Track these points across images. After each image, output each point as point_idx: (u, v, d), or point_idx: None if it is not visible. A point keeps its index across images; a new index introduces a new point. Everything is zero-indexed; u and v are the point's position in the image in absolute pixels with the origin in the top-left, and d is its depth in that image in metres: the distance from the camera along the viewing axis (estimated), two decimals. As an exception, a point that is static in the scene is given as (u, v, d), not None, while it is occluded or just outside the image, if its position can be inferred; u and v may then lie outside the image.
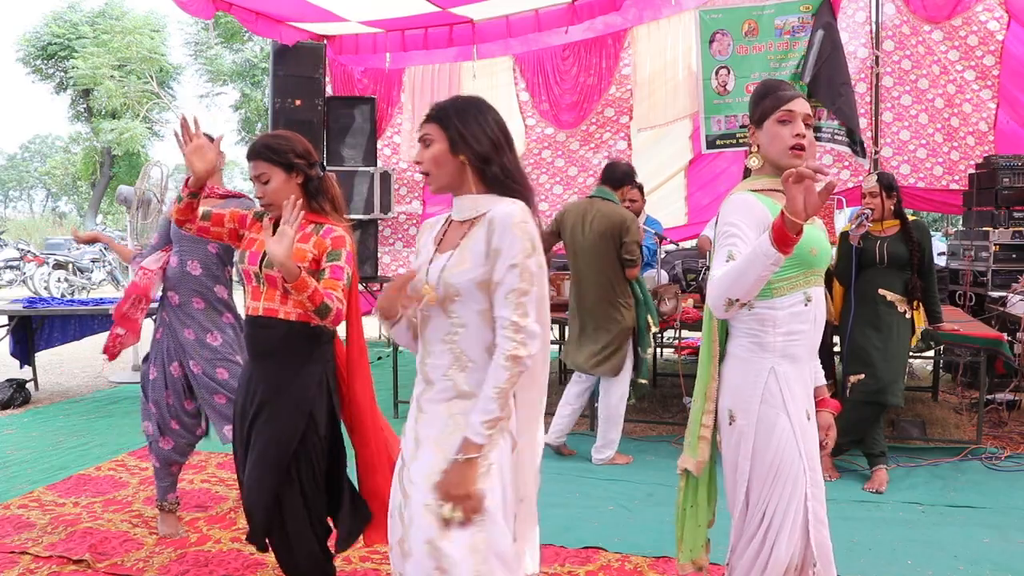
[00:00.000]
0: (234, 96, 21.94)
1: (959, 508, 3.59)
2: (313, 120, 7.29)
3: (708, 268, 2.04)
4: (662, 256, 5.47)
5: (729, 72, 6.81)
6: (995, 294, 5.44)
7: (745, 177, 2.06)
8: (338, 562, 2.50)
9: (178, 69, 22.89)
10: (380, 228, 8.12)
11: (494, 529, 1.65)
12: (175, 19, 28.03)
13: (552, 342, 6.80)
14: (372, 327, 7.68)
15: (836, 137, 6.44)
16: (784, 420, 1.89)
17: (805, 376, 1.98)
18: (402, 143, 8.11)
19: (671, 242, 5.77)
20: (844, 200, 6.53)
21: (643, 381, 4.48)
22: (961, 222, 6.51)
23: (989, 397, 4.85)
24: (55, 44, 21.60)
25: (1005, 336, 4.66)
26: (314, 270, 2.28)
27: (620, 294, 4.20)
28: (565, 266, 5.18)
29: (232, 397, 3.10)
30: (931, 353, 5.12)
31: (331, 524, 2.47)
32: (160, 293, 3.26)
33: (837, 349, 4.33)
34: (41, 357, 6.55)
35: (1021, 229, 5.57)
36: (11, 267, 14.78)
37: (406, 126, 8.01)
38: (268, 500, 2.28)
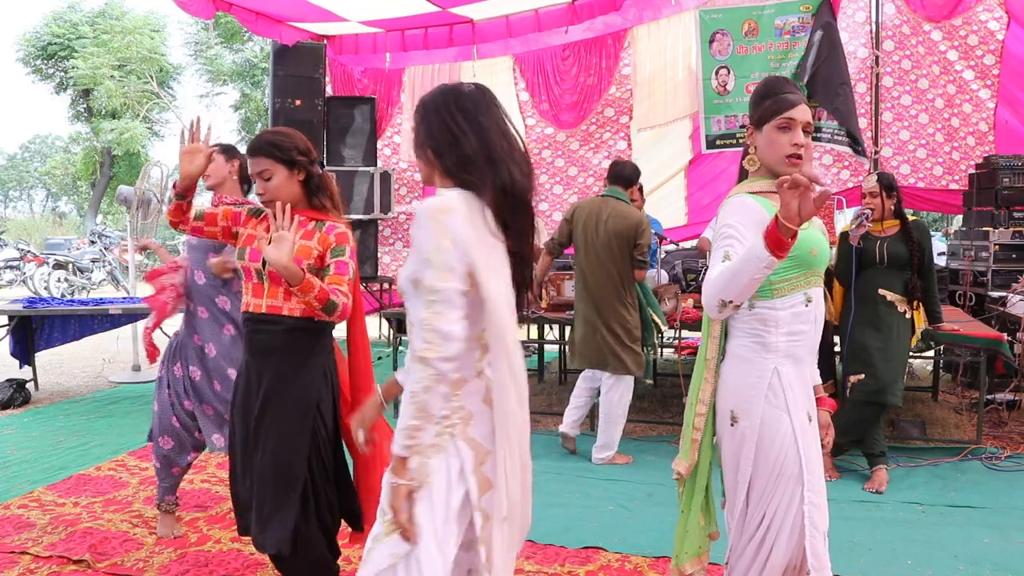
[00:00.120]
0: (234, 96, 21.94)
1: (959, 508, 3.59)
2: (313, 120, 7.30)
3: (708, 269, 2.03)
4: (662, 256, 5.48)
5: (729, 72, 6.81)
6: (995, 294, 5.45)
7: (741, 177, 2.05)
8: (338, 562, 2.50)
9: (178, 69, 22.89)
10: (380, 228, 8.13)
11: (419, 548, 1.54)
12: (175, 19, 28.04)
13: (552, 342, 6.82)
14: (373, 326, 7.68)
15: (836, 137, 6.44)
16: (786, 421, 1.89)
17: (806, 377, 1.98)
18: (402, 143, 8.11)
19: (671, 242, 5.78)
20: (844, 200, 6.53)
21: (648, 381, 4.49)
22: (961, 222, 6.51)
23: (989, 397, 4.85)
24: (55, 44, 21.59)
25: (1005, 336, 4.66)
26: (319, 267, 2.28)
27: (627, 294, 4.23)
28: (565, 266, 5.19)
29: (219, 408, 3.14)
30: (931, 353, 5.12)
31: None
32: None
33: (837, 349, 4.33)
34: (41, 357, 6.55)
35: (1021, 229, 5.57)
36: (11, 267, 14.77)
37: (406, 126, 8.01)
38: (288, 515, 2.23)
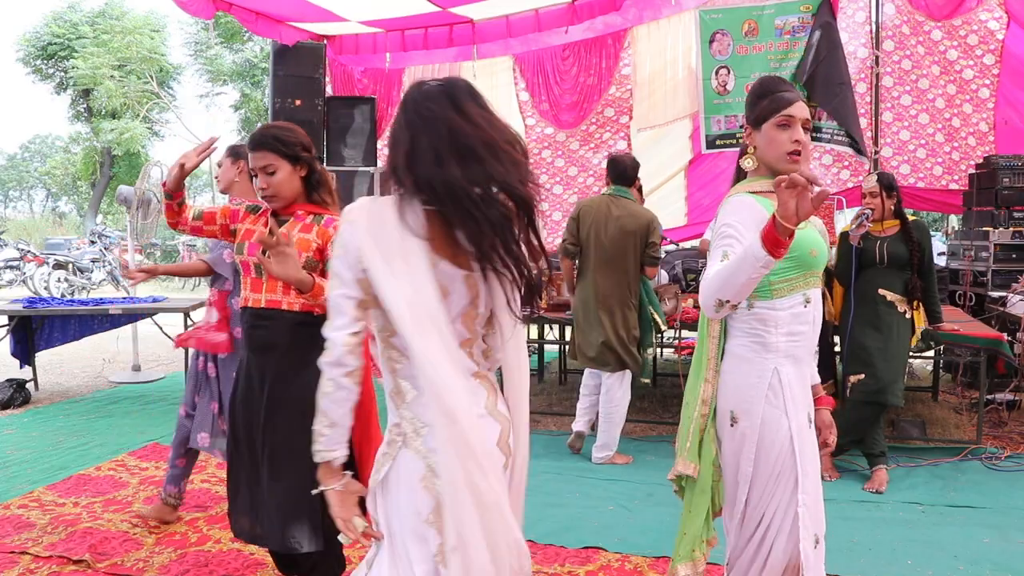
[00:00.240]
0: (234, 96, 21.94)
1: (959, 508, 3.59)
2: (313, 120, 7.29)
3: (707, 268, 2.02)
4: (662, 256, 5.47)
5: (729, 72, 6.81)
6: (995, 294, 5.45)
7: (738, 177, 2.05)
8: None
9: (178, 69, 22.89)
10: (380, 228, 8.11)
11: (380, 560, 1.55)
12: (175, 19, 27.99)
13: (552, 342, 6.82)
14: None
15: (836, 137, 6.44)
16: (785, 422, 1.89)
17: (806, 378, 1.98)
18: (402, 143, 8.09)
19: (671, 242, 5.78)
20: (844, 200, 6.53)
21: (646, 380, 4.49)
22: (961, 222, 6.51)
23: (989, 397, 4.86)
24: (55, 44, 21.59)
25: (1005, 336, 4.66)
26: (318, 259, 2.29)
27: (632, 293, 4.24)
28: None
29: (212, 412, 3.19)
30: (931, 353, 5.13)
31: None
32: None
33: (837, 349, 4.33)
34: (41, 357, 6.55)
35: (1021, 229, 5.57)
36: (11, 267, 14.77)
37: (406, 126, 8.00)
38: (309, 509, 2.19)
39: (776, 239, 1.59)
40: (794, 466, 1.89)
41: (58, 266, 14.17)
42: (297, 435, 2.23)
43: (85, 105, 22.75)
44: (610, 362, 4.22)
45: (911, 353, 4.38)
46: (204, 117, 34.89)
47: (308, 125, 7.05)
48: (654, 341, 4.53)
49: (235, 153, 3.32)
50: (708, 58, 6.85)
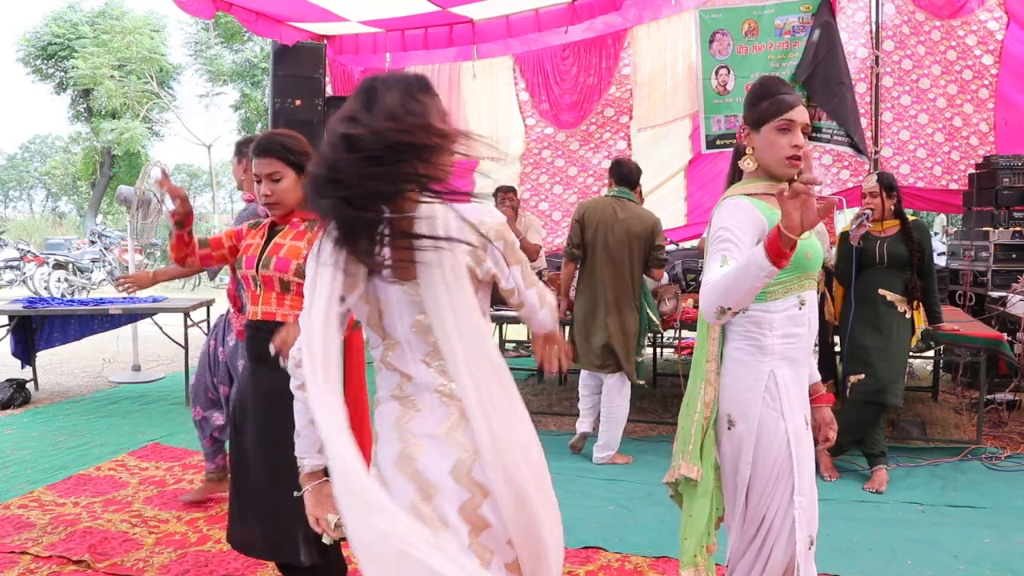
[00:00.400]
0: (234, 96, 21.95)
1: (959, 508, 3.59)
2: (313, 120, 7.29)
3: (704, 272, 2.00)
4: (667, 260, 5.48)
5: (729, 72, 6.81)
6: (995, 294, 5.45)
7: (731, 178, 2.05)
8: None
9: (178, 69, 22.89)
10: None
11: None
12: (175, 19, 27.98)
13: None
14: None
15: (836, 137, 6.44)
16: (782, 424, 1.89)
17: (803, 380, 1.98)
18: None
19: (671, 242, 5.78)
20: (844, 200, 6.53)
21: (640, 382, 4.50)
22: (961, 222, 6.51)
23: (989, 397, 4.85)
24: (55, 44, 21.59)
25: (1005, 336, 4.66)
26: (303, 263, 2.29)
27: (635, 295, 4.26)
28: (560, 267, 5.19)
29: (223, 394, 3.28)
30: (931, 353, 5.13)
31: None
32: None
33: (837, 349, 4.33)
34: (41, 357, 6.55)
35: (1021, 229, 5.57)
36: (11, 267, 14.77)
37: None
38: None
39: (779, 249, 1.57)
40: (789, 469, 1.89)
41: (58, 266, 14.17)
42: (291, 446, 2.24)
43: (85, 105, 22.75)
44: (612, 364, 4.23)
45: (911, 353, 4.38)
46: (204, 117, 34.87)
47: (308, 125, 7.06)
48: (645, 342, 4.55)
49: (239, 151, 3.33)
50: (708, 58, 6.85)
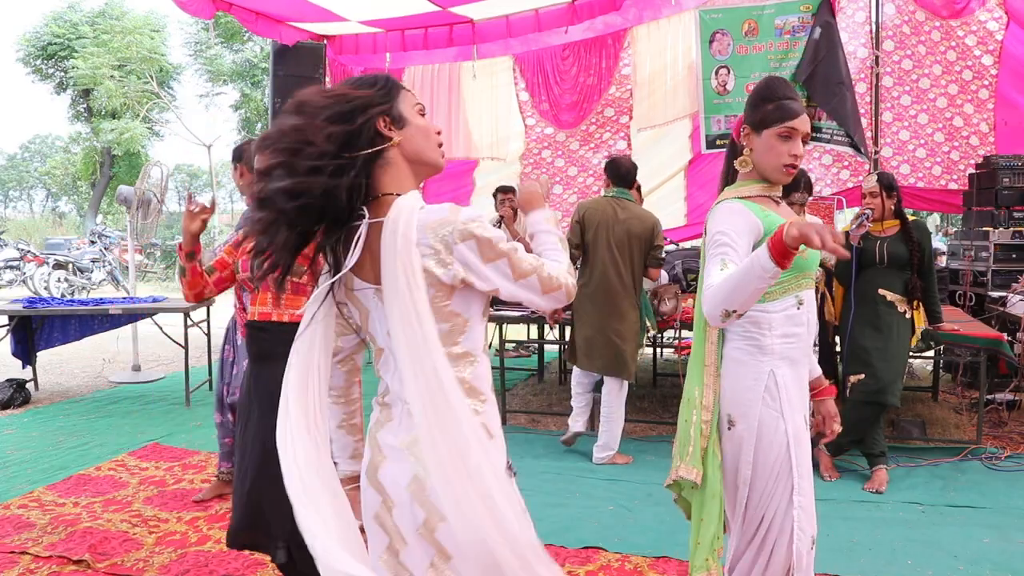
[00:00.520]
0: (234, 96, 21.93)
1: (959, 508, 3.59)
2: (313, 120, 7.28)
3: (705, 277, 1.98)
4: (665, 259, 5.48)
5: (729, 72, 6.81)
6: (995, 294, 5.44)
7: (726, 177, 2.05)
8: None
9: (178, 69, 22.87)
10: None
11: None
12: (175, 19, 27.99)
13: (552, 342, 6.81)
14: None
15: (836, 137, 6.44)
16: (782, 424, 1.89)
17: (802, 379, 1.98)
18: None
19: (671, 242, 5.78)
20: (844, 200, 6.53)
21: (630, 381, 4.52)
22: (961, 222, 6.51)
23: (989, 397, 4.85)
24: (55, 44, 21.58)
25: (1005, 336, 4.66)
26: (305, 264, 2.28)
27: (636, 295, 4.26)
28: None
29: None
30: (931, 353, 5.12)
31: None
32: None
33: (837, 349, 4.33)
34: (41, 357, 6.56)
35: (1021, 229, 5.57)
36: (11, 267, 14.76)
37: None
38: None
39: (784, 250, 1.56)
40: (791, 468, 1.89)
41: (58, 266, 14.17)
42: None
43: (85, 105, 22.74)
44: (612, 364, 4.23)
45: (911, 353, 4.38)
46: (204, 117, 34.83)
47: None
48: (644, 342, 4.56)
49: (235, 157, 3.32)
50: (708, 58, 6.85)
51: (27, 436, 4.93)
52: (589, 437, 4.55)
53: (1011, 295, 5.20)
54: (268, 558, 2.75)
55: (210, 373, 6.37)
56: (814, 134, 6.30)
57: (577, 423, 4.51)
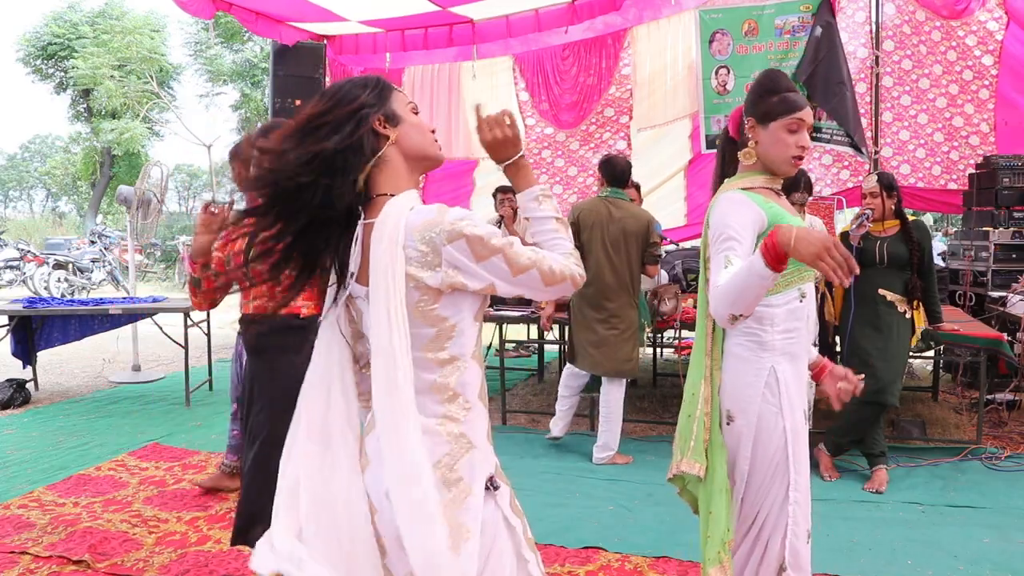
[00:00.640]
0: (234, 96, 21.92)
1: (959, 508, 3.59)
2: (313, 120, 7.28)
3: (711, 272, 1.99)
4: (662, 256, 5.48)
5: (729, 72, 6.81)
6: (995, 294, 5.44)
7: (721, 171, 2.05)
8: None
9: (178, 69, 22.87)
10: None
11: None
12: (175, 19, 27.99)
13: (552, 342, 6.81)
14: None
15: (835, 137, 6.45)
16: (781, 421, 1.89)
17: (802, 375, 1.98)
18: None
19: (671, 242, 5.78)
20: (844, 200, 6.53)
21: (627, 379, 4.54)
22: (961, 222, 6.51)
23: (989, 397, 4.85)
24: (55, 44, 21.57)
25: (1005, 336, 4.66)
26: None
27: (634, 293, 4.26)
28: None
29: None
30: (931, 353, 5.12)
31: None
32: None
33: (837, 349, 4.33)
34: (41, 357, 6.55)
35: (1021, 229, 5.57)
36: (11, 267, 14.76)
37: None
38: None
39: (779, 255, 1.57)
40: (785, 464, 1.90)
41: (58, 266, 14.17)
42: (282, 435, 2.24)
43: (85, 105, 22.73)
44: (611, 364, 4.23)
45: (911, 353, 4.37)
46: (204, 117, 34.82)
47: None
48: (645, 339, 4.57)
49: (232, 156, 3.32)
50: (708, 58, 6.85)
51: (27, 436, 4.93)
52: (589, 437, 4.56)
53: (1011, 295, 5.20)
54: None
55: (210, 373, 6.37)
56: (814, 134, 6.30)
57: (556, 428, 4.54)
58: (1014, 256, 5.54)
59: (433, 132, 1.50)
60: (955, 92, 6.39)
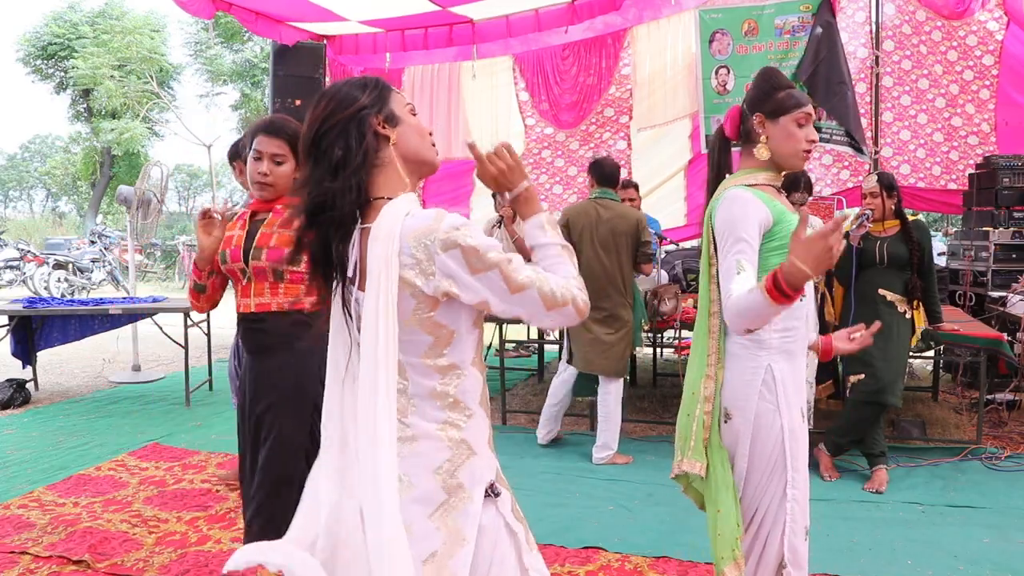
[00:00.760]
0: (234, 96, 21.94)
1: (959, 508, 3.59)
2: (313, 120, 7.28)
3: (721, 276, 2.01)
4: (662, 256, 5.48)
5: (729, 72, 6.81)
6: (995, 294, 5.44)
7: (719, 167, 2.07)
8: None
9: (178, 69, 22.88)
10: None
11: None
12: (175, 19, 28.02)
13: (552, 342, 6.81)
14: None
15: (835, 137, 6.45)
16: (778, 419, 1.90)
17: (799, 373, 1.98)
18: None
19: (671, 242, 5.78)
20: (844, 200, 6.53)
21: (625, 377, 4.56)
22: (961, 222, 6.51)
23: (989, 397, 4.85)
24: (55, 44, 21.58)
25: (1005, 336, 4.66)
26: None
27: (627, 293, 4.27)
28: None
29: None
30: (931, 353, 5.12)
31: None
32: None
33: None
34: (41, 357, 6.56)
35: (1021, 229, 5.57)
36: (11, 267, 14.76)
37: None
38: (277, 507, 2.18)
39: (787, 294, 1.60)
40: (783, 462, 1.90)
41: (58, 266, 14.17)
42: (292, 434, 2.23)
43: (85, 105, 22.74)
44: (606, 364, 4.25)
45: (911, 353, 4.37)
46: (204, 117, 34.83)
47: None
48: (642, 340, 4.57)
49: (232, 156, 3.32)
50: (708, 58, 6.85)
51: (27, 436, 4.93)
52: (589, 437, 4.56)
53: (1011, 295, 5.20)
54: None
55: (210, 373, 6.37)
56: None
57: (541, 433, 4.58)
58: (1014, 256, 5.54)
59: (430, 135, 1.50)
60: (955, 92, 6.40)
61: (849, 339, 2.08)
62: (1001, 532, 3.30)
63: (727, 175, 2.08)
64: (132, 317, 6.22)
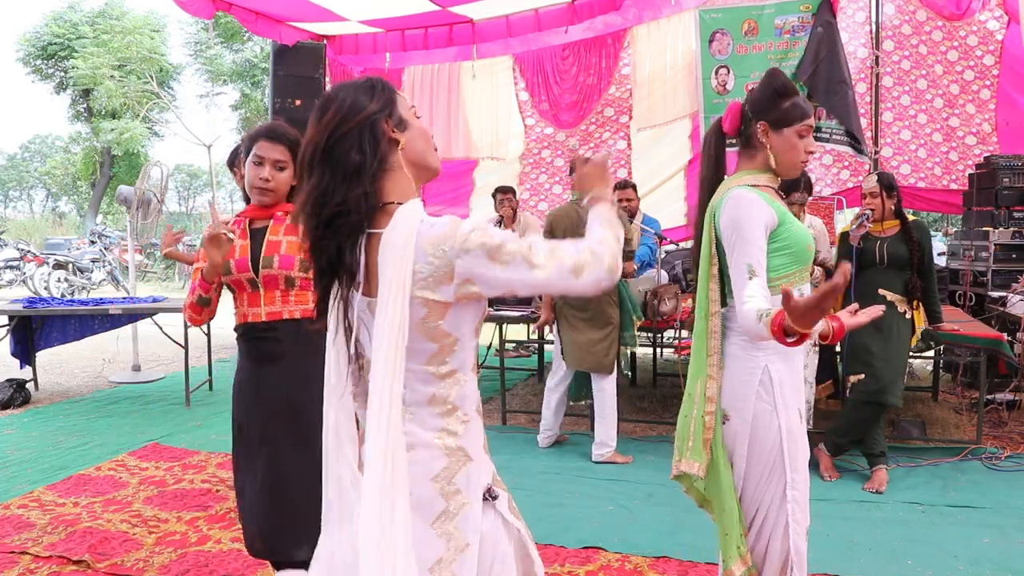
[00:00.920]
0: (234, 96, 21.94)
1: (959, 508, 3.59)
2: (313, 120, 7.28)
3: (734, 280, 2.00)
4: (662, 256, 5.48)
5: (729, 71, 6.81)
6: (995, 294, 5.44)
7: (717, 166, 2.07)
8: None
9: (178, 69, 22.88)
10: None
11: None
12: (175, 19, 28.03)
13: (551, 342, 6.83)
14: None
15: (835, 137, 6.45)
16: (776, 419, 1.90)
17: (797, 374, 1.98)
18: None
19: (671, 242, 5.77)
20: (844, 200, 6.54)
21: (626, 373, 4.57)
22: (961, 222, 6.51)
23: (989, 397, 4.85)
24: (55, 44, 21.59)
25: (1005, 336, 4.66)
26: (306, 258, 2.26)
27: (612, 291, 4.29)
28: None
29: None
30: (931, 353, 5.12)
31: None
32: None
33: (837, 349, 4.33)
34: (41, 357, 6.56)
35: (1021, 229, 5.57)
36: (11, 267, 14.76)
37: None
38: (306, 517, 2.11)
39: (785, 339, 1.65)
40: (781, 463, 1.90)
41: (58, 266, 14.17)
42: (299, 444, 2.22)
43: (85, 105, 22.75)
44: (597, 362, 4.29)
45: (911, 353, 4.37)
46: (204, 117, 34.82)
47: (307, 125, 7.06)
48: (635, 338, 4.59)
49: (231, 162, 3.31)
50: (708, 58, 6.85)
51: (27, 436, 4.93)
52: (589, 437, 4.56)
53: (1011, 295, 5.20)
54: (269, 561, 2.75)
55: (210, 373, 6.37)
56: (815, 134, 6.31)
57: (544, 438, 4.60)
58: (1014, 256, 5.54)
59: (432, 137, 1.50)
60: (956, 92, 6.40)
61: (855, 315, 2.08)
62: (1001, 532, 3.30)
63: (726, 175, 2.08)
64: (132, 317, 6.22)
